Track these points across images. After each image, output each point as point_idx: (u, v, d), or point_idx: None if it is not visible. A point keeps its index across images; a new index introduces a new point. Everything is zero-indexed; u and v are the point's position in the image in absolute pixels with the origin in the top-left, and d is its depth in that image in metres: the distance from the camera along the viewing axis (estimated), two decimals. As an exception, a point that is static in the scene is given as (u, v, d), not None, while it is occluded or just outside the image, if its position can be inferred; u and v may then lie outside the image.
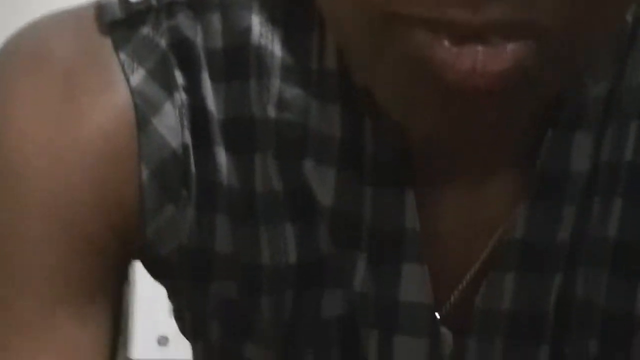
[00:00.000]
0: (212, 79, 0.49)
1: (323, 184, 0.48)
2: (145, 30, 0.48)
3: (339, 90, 0.47)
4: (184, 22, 0.48)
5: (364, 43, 0.39)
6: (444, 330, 0.49)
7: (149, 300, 1.53)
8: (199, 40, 0.48)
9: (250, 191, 0.49)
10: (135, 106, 0.47)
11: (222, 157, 0.49)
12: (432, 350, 0.49)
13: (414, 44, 0.36)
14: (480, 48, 0.35)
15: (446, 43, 0.35)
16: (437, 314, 0.49)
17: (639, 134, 0.46)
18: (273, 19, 0.48)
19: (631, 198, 0.46)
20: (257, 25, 0.48)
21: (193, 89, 0.48)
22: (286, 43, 0.48)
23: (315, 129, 0.48)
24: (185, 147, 0.49)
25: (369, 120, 0.47)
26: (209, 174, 0.49)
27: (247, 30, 0.48)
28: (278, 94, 0.48)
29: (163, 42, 0.48)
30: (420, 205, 0.48)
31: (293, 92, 0.48)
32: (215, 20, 0.48)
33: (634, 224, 0.46)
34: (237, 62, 0.48)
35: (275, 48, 0.48)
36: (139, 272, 0.56)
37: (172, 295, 0.55)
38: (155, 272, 0.53)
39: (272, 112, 0.48)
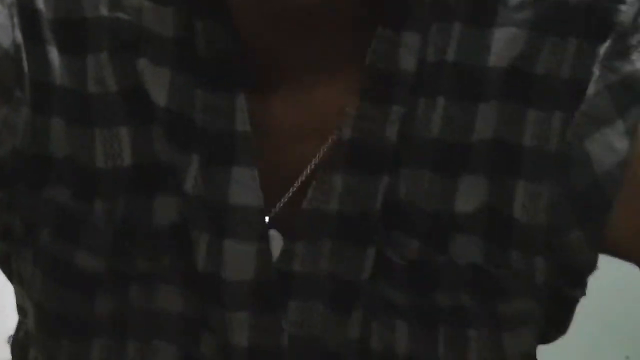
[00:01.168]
0: None
1: (157, 84, 0.48)
2: None
3: None
4: None
5: None
6: (273, 233, 0.48)
7: None
8: None
9: (84, 93, 0.49)
10: None
11: (54, 57, 0.48)
12: (260, 254, 0.48)
13: None
14: None
15: None
16: (267, 217, 0.48)
17: (462, 35, 0.47)
18: None
19: (453, 97, 0.47)
20: None
21: None
22: None
23: (149, 29, 0.48)
24: (17, 46, 0.48)
25: (201, 22, 0.47)
26: (42, 75, 0.48)
27: None
28: None
29: None
30: (253, 109, 0.48)
31: None
32: None
33: (456, 124, 0.47)
34: None
35: None
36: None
37: (5, 211, 0.52)
38: None
39: (104, 11, 0.48)
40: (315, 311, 0.50)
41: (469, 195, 0.49)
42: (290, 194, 0.50)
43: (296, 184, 0.49)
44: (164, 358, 0.52)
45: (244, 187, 0.48)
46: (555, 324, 0.57)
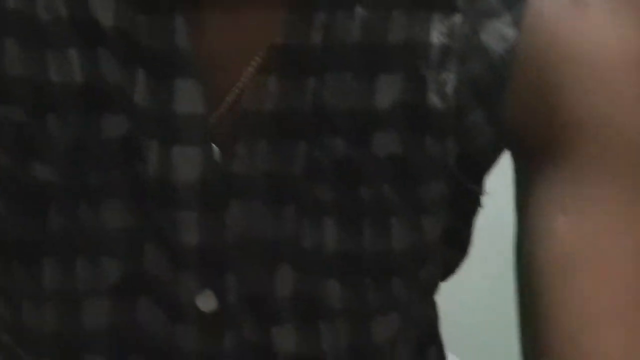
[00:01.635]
0: None
1: (104, 8, 0.52)
2: None
3: None
4: None
5: None
6: (216, 132, 0.53)
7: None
8: None
9: (35, 17, 0.52)
10: None
11: None
12: (205, 157, 0.53)
13: None
14: None
15: None
16: (213, 116, 0.53)
17: None
18: None
19: (368, 7, 0.53)
20: None
21: None
22: None
23: None
24: None
25: None
26: None
27: None
28: None
29: None
30: (192, 27, 0.52)
31: None
32: None
33: (373, 29, 0.53)
34: None
35: None
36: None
37: None
38: None
39: None
40: (254, 208, 0.54)
41: (387, 92, 0.54)
42: (230, 100, 0.54)
43: (236, 90, 0.54)
44: (108, 275, 0.55)
45: (187, 97, 0.52)
46: (458, 239, 0.62)
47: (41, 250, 0.55)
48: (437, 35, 0.54)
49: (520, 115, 0.55)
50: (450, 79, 0.54)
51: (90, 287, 0.55)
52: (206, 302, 0.55)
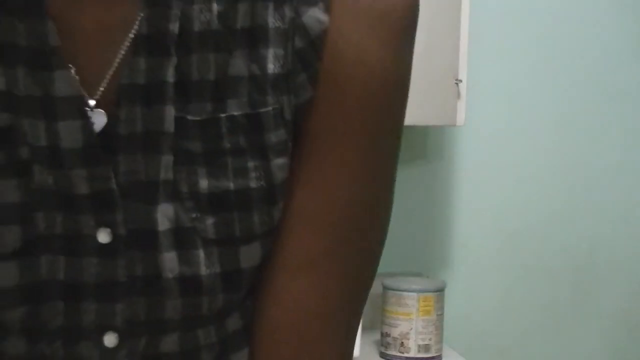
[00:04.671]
0: None
1: None
2: None
3: None
4: None
5: None
6: (97, 110, 0.66)
7: None
8: None
9: None
10: None
11: None
12: (84, 127, 0.66)
13: None
14: None
15: None
16: (91, 101, 0.66)
17: None
18: None
19: (221, 2, 0.68)
20: None
21: None
22: None
23: None
24: None
25: None
26: None
27: None
28: None
29: None
30: (66, 19, 0.65)
31: None
32: None
33: (226, 18, 0.68)
34: None
35: None
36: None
37: None
38: None
39: None
40: (137, 160, 0.68)
41: (238, 66, 0.69)
42: (109, 78, 0.67)
43: (112, 70, 0.67)
44: (8, 242, 0.67)
45: (65, 83, 0.66)
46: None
47: None
48: (272, 20, 0.70)
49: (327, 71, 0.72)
50: (282, 52, 0.70)
51: None
52: (103, 236, 0.68)
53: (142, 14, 0.67)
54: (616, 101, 2.47)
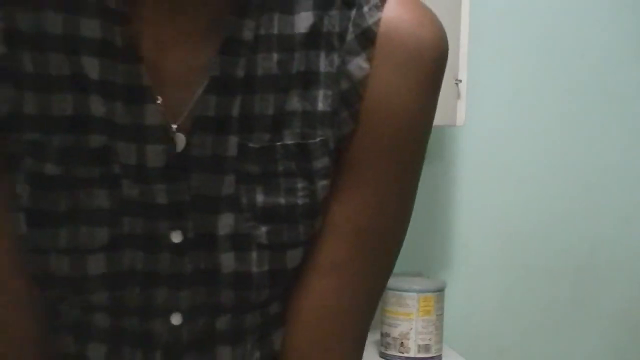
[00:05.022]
0: None
1: (91, 67, 0.79)
2: None
3: None
4: None
5: None
6: (179, 135, 0.81)
7: None
8: None
9: (48, 73, 0.80)
10: None
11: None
12: (166, 150, 0.81)
13: None
14: None
15: None
16: (174, 126, 0.80)
17: (279, 18, 0.82)
18: None
19: (280, 52, 0.82)
20: None
21: None
22: None
23: (85, 36, 0.80)
24: None
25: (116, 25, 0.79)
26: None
27: None
28: None
29: None
30: (152, 65, 0.80)
31: None
32: None
33: (283, 66, 0.82)
34: None
35: None
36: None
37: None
38: None
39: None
40: (206, 178, 0.82)
41: (292, 104, 0.83)
42: (187, 110, 0.81)
43: (189, 104, 0.81)
44: (97, 239, 0.81)
45: (153, 115, 0.80)
46: None
47: (57, 223, 0.81)
48: (323, 66, 0.83)
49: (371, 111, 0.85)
50: (330, 93, 0.83)
51: (89, 247, 0.82)
52: (176, 237, 0.83)
53: (216, 60, 0.80)
54: (616, 101, 2.47)
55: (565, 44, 2.43)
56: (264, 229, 0.83)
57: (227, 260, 0.83)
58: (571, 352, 2.49)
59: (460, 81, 2.07)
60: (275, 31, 0.82)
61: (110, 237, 0.82)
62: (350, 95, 0.83)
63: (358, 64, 0.83)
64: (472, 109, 2.17)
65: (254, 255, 0.83)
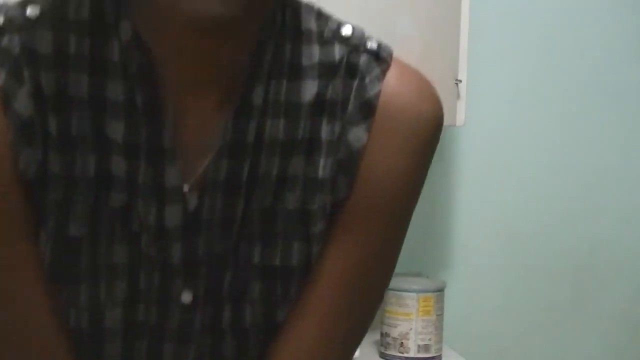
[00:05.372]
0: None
1: (115, 130, 0.82)
2: None
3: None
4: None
5: None
6: (191, 195, 0.84)
7: None
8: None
9: (70, 135, 0.82)
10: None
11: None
12: (183, 211, 0.84)
13: None
14: None
15: None
16: (186, 186, 0.83)
17: (287, 86, 0.86)
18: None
19: (286, 118, 0.85)
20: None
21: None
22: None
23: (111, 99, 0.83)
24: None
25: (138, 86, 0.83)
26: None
27: None
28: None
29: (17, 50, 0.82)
30: (174, 128, 0.83)
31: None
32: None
33: (289, 132, 0.85)
34: None
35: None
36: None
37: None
38: None
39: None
40: (215, 236, 0.86)
41: (296, 167, 0.86)
42: (200, 173, 0.84)
43: (203, 167, 0.84)
44: (118, 293, 0.85)
45: (172, 177, 0.83)
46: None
47: (78, 280, 0.84)
48: (324, 134, 0.86)
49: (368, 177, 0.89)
50: (329, 160, 0.87)
51: (108, 302, 0.85)
52: (187, 296, 0.86)
53: (229, 125, 0.83)
54: (617, 101, 2.47)
55: (565, 44, 2.43)
56: (258, 285, 0.88)
57: (227, 314, 0.88)
58: (571, 352, 2.49)
59: (460, 81, 2.07)
60: (283, 98, 0.85)
61: (127, 292, 0.85)
62: (348, 164, 0.86)
63: (357, 134, 0.86)
64: (472, 109, 2.17)
65: (248, 309, 0.88)
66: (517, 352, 2.45)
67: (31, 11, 0.82)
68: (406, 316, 2.07)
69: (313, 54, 0.87)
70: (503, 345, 2.44)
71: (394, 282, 2.11)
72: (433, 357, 2.09)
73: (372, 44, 0.88)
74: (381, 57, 0.88)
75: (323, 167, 0.86)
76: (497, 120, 2.39)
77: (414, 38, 1.97)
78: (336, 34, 0.88)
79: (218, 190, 0.84)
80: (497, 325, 2.43)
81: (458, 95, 2.06)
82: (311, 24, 0.88)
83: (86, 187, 0.83)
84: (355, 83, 0.86)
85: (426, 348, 2.08)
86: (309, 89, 0.86)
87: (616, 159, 2.48)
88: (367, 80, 0.86)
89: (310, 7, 0.89)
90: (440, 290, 2.11)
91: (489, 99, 2.37)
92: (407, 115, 0.87)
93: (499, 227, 2.42)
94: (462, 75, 2.07)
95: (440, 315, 2.10)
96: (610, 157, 2.47)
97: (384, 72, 0.87)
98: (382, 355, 2.11)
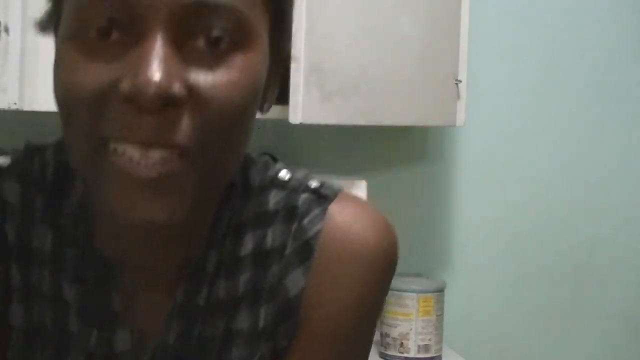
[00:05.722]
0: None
1: (69, 294, 0.83)
2: None
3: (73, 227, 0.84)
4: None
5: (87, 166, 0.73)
6: (142, 358, 0.84)
7: None
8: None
9: (35, 286, 0.84)
10: None
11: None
12: None
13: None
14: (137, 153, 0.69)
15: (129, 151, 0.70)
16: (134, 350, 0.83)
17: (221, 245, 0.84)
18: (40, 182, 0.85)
19: (234, 277, 0.85)
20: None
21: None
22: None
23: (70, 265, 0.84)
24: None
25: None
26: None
27: None
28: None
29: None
30: (124, 295, 0.83)
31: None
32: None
33: (235, 289, 0.85)
34: None
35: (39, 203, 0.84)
36: None
37: None
38: None
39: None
40: None
41: (240, 322, 0.85)
42: (153, 334, 0.84)
43: (155, 329, 0.84)
44: None
45: (122, 341, 0.83)
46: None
47: None
48: (266, 283, 0.85)
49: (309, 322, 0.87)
50: (270, 308, 0.85)
51: None
52: None
53: (180, 289, 0.83)
54: (616, 101, 2.47)
55: (565, 44, 2.43)
56: None
57: None
58: (571, 352, 2.49)
59: (460, 81, 2.06)
60: (227, 258, 0.85)
61: None
62: (288, 311, 0.85)
63: (294, 279, 0.84)
64: (472, 109, 2.17)
65: None
66: (517, 352, 2.45)
67: (2, 161, 0.85)
68: (406, 316, 2.07)
69: (249, 207, 0.85)
70: (503, 345, 2.44)
71: (394, 283, 2.11)
72: (433, 358, 2.10)
73: (313, 184, 0.87)
74: (323, 195, 0.86)
75: (264, 316, 0.85)
76: (497, 120, 2.39)
77: (414, 38, 1.97)
78: (274, 180, 0.87)
79: (168, 353, 0.84)
80: (497, 325, 2.43)
81: (458, 95, 2.06)
82: (252, 178, 0.87)
83: (46, 340, 0.84)
84: (294, 226, 0.85)
85: (426, 348, 2.08)
86: (247, 243, 0.85)
87: (616, 159, 2.48)
88: (305, 221, 0.85)
89: (257, 162, 0.88)
90: (440, 291, 2.11)
91: (489, 99, 2.37)
92: (354, 247, 0.84)
93: (499, 227, 2.42)
94: (462, 75, 2.07)
95: (440, 316, 2.10)
96: (610, 157, 2.48)
97: (324, 211, 0.85)
98: (382, 355, 2.12)
